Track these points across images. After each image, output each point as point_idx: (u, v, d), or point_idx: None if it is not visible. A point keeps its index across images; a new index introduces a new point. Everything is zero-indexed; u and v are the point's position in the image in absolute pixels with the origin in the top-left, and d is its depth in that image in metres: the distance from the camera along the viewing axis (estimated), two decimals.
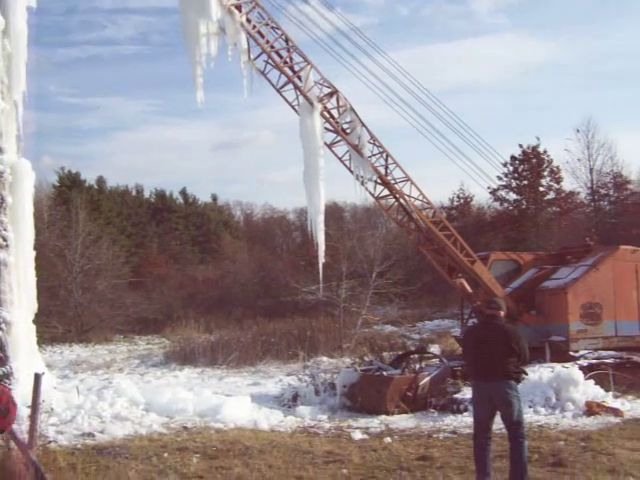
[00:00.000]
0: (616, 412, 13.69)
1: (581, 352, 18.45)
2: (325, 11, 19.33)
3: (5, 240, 13.40)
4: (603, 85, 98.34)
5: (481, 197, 51.69)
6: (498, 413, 8.84)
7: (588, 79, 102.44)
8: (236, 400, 15.55)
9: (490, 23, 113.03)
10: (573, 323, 18.67)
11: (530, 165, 45.01)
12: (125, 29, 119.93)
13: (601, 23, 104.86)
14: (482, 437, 8.84)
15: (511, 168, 44.82)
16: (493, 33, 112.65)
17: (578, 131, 43.57)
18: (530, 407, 14.06)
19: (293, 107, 18.27)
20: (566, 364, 16.48)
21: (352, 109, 18.30)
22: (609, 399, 14.54)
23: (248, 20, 17.55)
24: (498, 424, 9.13)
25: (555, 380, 14.66)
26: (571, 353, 18.37)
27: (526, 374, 9.24)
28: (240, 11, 17.46)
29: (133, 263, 50.23)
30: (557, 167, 44.78)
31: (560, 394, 14.43)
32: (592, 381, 15.12)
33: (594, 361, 17.52)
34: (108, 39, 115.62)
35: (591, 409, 13.81)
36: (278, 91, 18.21)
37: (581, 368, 15.94)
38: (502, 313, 9.13)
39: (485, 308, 9.29)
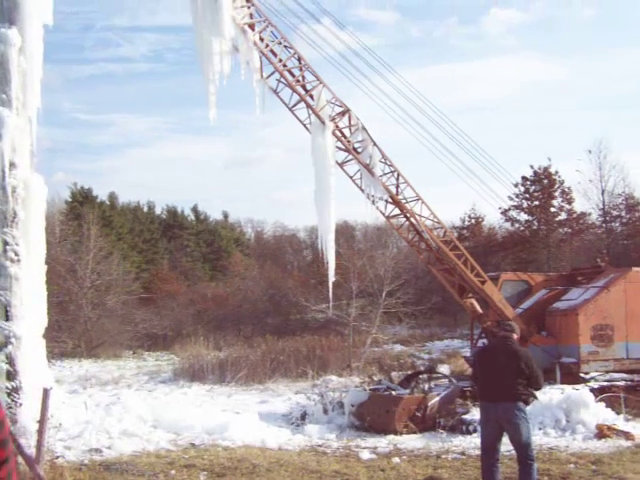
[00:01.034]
0: (627, 435, 13.55)
1: (592, 374, 18.33)
2: (337, 30, 19.48)
3: (17, 254, 13.44)
4: (615, 106, 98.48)
5: (492, 217, 51.69)
6: (506, 435, 8.78)
7: (600, 100, 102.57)
8: (244, 418, 15.52)
9: (501, 45, 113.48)
10: (584, 345, 18.55)
11: (541, 186, 44.98)
12: (140, 47, 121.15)
13: (612, 45, 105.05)
14: (490, 459, 8.78)
15: (522, 189, 44.80)
16: (504, 54, 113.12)
17: (590, 152, 43.54)
18: (540, 429, 13.97)
19: (305, 126, 18.34)
20: (577, 386, 16.38)
21: (364, 128, 18.36)
22: (620, 422, 14.40)
23: (261, 39, 17.68)
24: (508, 445, 9.07)
25: (565, 402, 14.55)
26: (582, 375, 18.25)
27: (536, 397, 9.15)
28: (253, 30, 17.60)
29: (143, 279, 50.38)
30: (568, 188, 44.76)
31: (570, 416, 14.32)
32: (603, 404, 15.01)
33: (605, 383, 17.40)
34: (123, 57, 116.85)
35: (602, 432, 13.69)
36: (290, 109, 18.30)
37: (592, 390, 15.84)
38: (515, 336, 9.07)
39: (498, 330, 9.23)
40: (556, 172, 44.91)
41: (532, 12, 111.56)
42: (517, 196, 44.34)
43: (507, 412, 8.56)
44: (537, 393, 9.14)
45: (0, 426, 2.68)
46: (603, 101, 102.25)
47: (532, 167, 45.18)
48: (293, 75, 18.09)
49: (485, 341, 20.60)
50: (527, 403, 8.75)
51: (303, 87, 18.14)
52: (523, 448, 8.61)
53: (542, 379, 8.98)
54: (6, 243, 13.37)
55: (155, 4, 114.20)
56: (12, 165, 13.58)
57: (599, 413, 14.43)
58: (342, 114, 18.32)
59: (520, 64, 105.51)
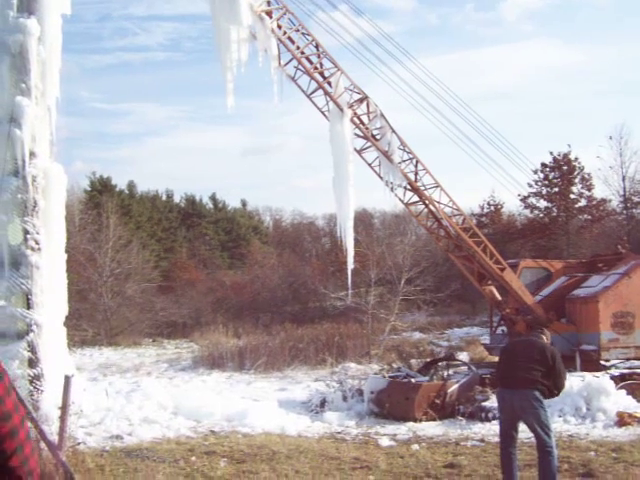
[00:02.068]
0: None
1: (612, 361, 18.24)
2: (354, 17, 19.38)
3: (37, 243, 13.54)
4: (637, 91, 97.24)
5: (511, 204, 51.44)
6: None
7: (621, 85, 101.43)
8: (264, 405, 15.60)
9: (519, 30, 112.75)
10: (604, 332, 18.44)
11: (561, 172, 44.57)
12: (157, 36, 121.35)
13: (631, 30, 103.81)
14: (508, 446, 8.74)
15: (542, 175, 44.42)
16: (522, 40, 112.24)
17: (611, 138, 43.07)
18: (560, 416, 13.91)
19: (323, 113, 18.30)
20: (597, 373, 16.29)
21: (382, 115, 18.28)
22: None
23: (279, 26, 17.64)
24: (528, 432, 9.03)
25: (586, 389, 14.48)
26: (602, 362, 18.16)
27: (552, 395, 9.02)
28: (271, 17, 17.55)
29: (162, 267, 50.56)
30: (588, 174, 44.30)
31: (591, 404, 14.25)
32: (624, 391, 14.92)
33: (626, 371, 17.29)
34: (140, 46, 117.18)
35: (623, 420, 13.61)
36: (308, 97, 18.25)
37: (612, 378, 15.74)
38: (545, 338, 9.04)
39: (529, 332, 9.20)
40: (576, 158, 44.50)
41: None
42: (536, 183, 43.99)
43: (522, 400, 8.51)
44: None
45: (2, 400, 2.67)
46: (623, 87, 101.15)
47: (552, 153, 44.78)
48: (311, 62, 18.04)
49: (504, 328, 20.54)
50: (544, 394, 8.64)
51: (321, 74, 18.09)
52: (541, 435, 8.55)
53: (565, 381, 8.91)
54: (27, 232, 13.48)
55: None
56: (32, 154, 13.67)
57: (619, 401, 14.35)
58: (360, 101, 18.26)
59: (538, 50, 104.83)
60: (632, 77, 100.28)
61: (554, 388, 8.72)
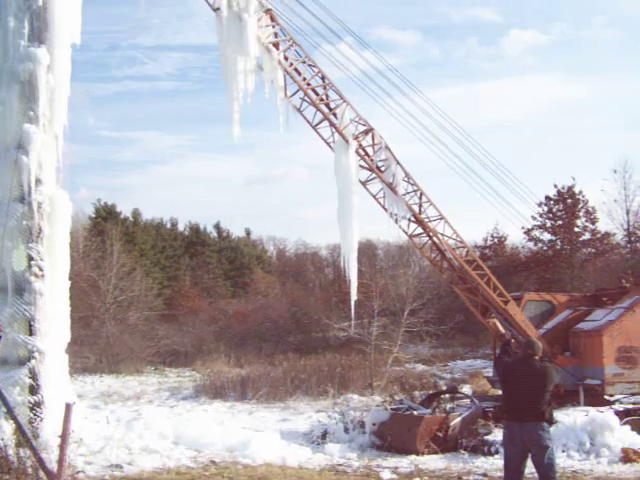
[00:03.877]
0: None
1: (617, 396, 18.07)
2: (359, 50, 19.56)
3: (41, 270, 13.57)
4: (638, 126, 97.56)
5: (515, 237, 51.36)
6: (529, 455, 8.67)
7: (625, 119, 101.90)
8: (265, 435, 15.49)
9: (521, 64, 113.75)
10: (609, 366, 18.30)
11: (565, 205, 44.66)
12: (165, 65, 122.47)
13: (634, 65, 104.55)
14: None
15: (546, 208, 44.53)
16: (525, 74, 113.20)
17: (615, 172, 43.20)
18: (563, 451, 13.79)
19: (328, 144, 18.38)
20: (601, 408, 16.14)
21: (387, 147, 18.35)
22: None
23: (285, 57, 17.79)
24: (530, 467, 8.94)
25: (590, 424, 14.36)
26: (606, 397, 18.01)
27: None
28: (278, 49, 17.72)
29: (165, 295, 50.54)
30: (593, 208, 44.37)
31: (595, 439, 14.13)
32: (628, 427, 14.79)
33: (630, 406, 17.13)
34: (148, 75, 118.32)
35: (628, 456, 13.48)
36: (314, 128, 18.35)
37: (617, 413, 15.62)
38: (537, 357, 8.97)
39: (521, 349, 9.12)
40: (580, 192, 44.62)
41: (553, 33, 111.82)
42: (541, 215, 44.08)
43: (532, 432, 8.46)
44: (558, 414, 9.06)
45: None
46: (627, 121, 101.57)
47: (556, 186, 44.92)
48: (317, 94, 18.17)
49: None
50: (551, 423, 8.63)
51: (327, 105, 18.21)
52: (546, 470, 8.49)
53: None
54: (31, 258, 13.51)
55: (180, 23, 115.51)
56: (38, 181, 13.76)
57: (624, 437, 14.22)
58: (365, 133, 18.34)
59: (541, 84, 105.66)
60: (636, 111, 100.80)
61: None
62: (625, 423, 14.94)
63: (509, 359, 9.62)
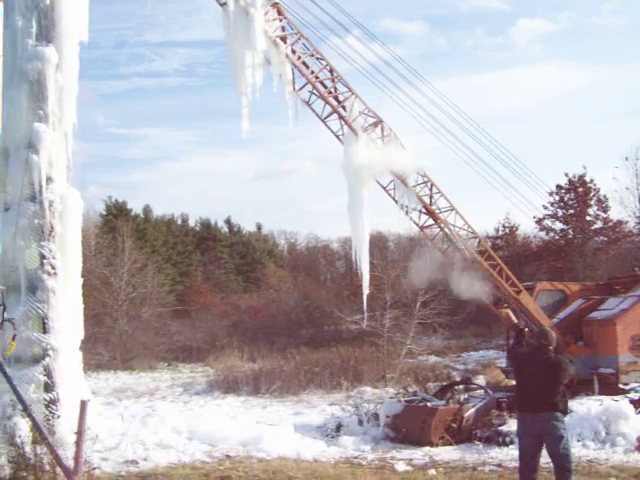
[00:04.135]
0: None
1: (631, 385, 18.01)
2: (367, 42, 19.50)
3: (54, 268, 13.61)
4: None
5: (527, 226, 51.13)
6: (544, 446, 8.64)
7: (636, 106, 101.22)
8: (279, 429, 15.51)
9: (530, 53, 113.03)
10: (622, 355, 18.26)
11: (577, 194, 44.46)
12: (172, 61, 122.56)
13: None
14: (528, 471, 8.64)
15: (557, 197, 44.35)
16: (533, 63, 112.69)
17: (627, 159, 42.95)
18: (578, 441, 13.75)
19: (338, 137, 18.36)
20: (615, 397, 16.10)
21: (396, 138, 18.31)
22: None
23: (293, 51, 17.76)
24: (545, 457, 8.93)
25: (604, 414, 14.31)
26: (620, 386, 17.95)
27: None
28: (285, 42, 17.70)
29: (178, 291, 50.65)
30: (604, 196, 44.17)
31: (610, 428, 14.07)
32: None
33: None
34: (155, 71, 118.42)
35: None
36: (323, 121, 18.33)
37: (631, 402, 15.56)
38: (552, 347, 8.90)
39: (535, 338, 9.06)
40: (591, 180, 44.41)
41: (560, 22, 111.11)
42: (552, 205, 43.93)
43: (546, 423, 8.44)
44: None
45: None
46: (636, 108, 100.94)
47: (567, 175, 44.72)
48: (325, 87, 18.14)
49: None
50: (565, 413, 8.60)
51: (335, 98, 18.18)
52: (562, 460, 8.47)
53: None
54: (43, 257, 13.55)
55: (187, 19, 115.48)
56: (49, 179, 13.78)
57: (639, 425, 14.17)
58: (375, 125, 18.30)
59: (550, 73, 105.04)
60: None
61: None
62: None
63: (522, 349, 9.59)
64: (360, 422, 16.32)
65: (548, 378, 8.51)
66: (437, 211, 18.83)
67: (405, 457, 13.64)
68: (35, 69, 13.76)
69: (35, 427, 9.25)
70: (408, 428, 15.08)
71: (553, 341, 8.98)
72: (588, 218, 44.57)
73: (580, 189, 44.36)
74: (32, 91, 13.84)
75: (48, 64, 13.83)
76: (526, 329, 19.10)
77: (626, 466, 12.23)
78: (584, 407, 14.92)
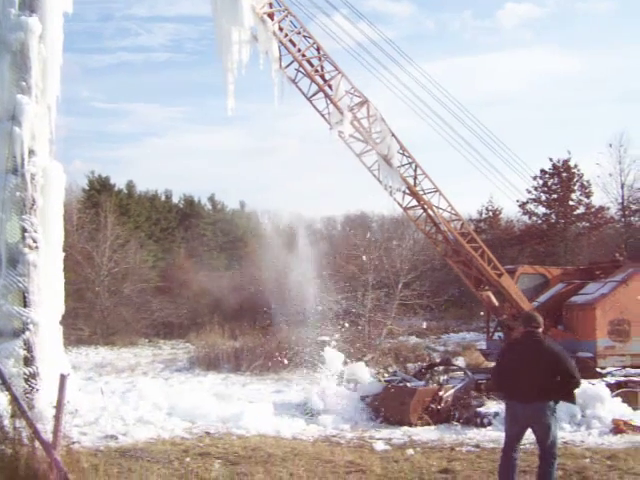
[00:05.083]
0: None
1: (608, 369, 18.21)
2: (355, 21, 19.40)
3: (35, 241, 13.53)
4: (636, 98, 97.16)
5: (510, 210, 51.25)
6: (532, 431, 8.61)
7: (621, 92, 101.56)
8: (259, 407, 15.58)
9: (517, 37, 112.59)
10: (601, 339, 18.43)
11: (560, 179, 44.58)
12: (159, 37, 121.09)
13: (630, 38, 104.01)
14: (512, 453, 8.62)
15: (541, 182, 44.42)
16: (520, 47, 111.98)
17: (611, 145, 43.11)
18: None
19: (323, 116, 18.31)
20: (593, 381, 16.26)
21: (382, 119, 18.28)
22: (637, 418, 14.32)
23: (280, 28, 17.64)
24: (526, 439, 8.97)
25: (581, 397, 14.43)
26: (598, 370, 18.13)
27: (578, 385, 8.84)
28: (272, 19, 17.56)
29: (160, 268, 50.41)
30: (587, 182, 44.33)
31: (586, 411, 14.26)
32: (619, 399, 14.93)
33: (622, 379, 17.28)
34: (142, 46, 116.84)
35: (618, 427, 13.63)
36: (309, 99, 18.26)
37: (608, 385, 15.76)
38: (540, 330, 8.78)
39: (523, 325, 8.94)
40: (575, 165, 44.53)
41: (548, 6, 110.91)
42: (535, 189, 44.01)
43: (538, 412, 8.35)
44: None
45: None
46: (622, 95, 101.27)
47: (551, 160, 44.80)
48: (312, 65, 18.04)
49: (501, 335, 20.52)
50: (557, 402, 8.52)
51: (322, 77, 18.10)
52: (549, 446, 8.46)
53: (577, 371, 8.69)
54: (25, 230, 13.46)
55: None
56: (31, 152, 13.66)
57: (615, 408, 14.37)
58: (361, 104, 18.26)
59: (537, 57, 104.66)
60: (632, 84, 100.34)
61: (573, 385, 8.60)
62: (616, 395, 15.07)
63: (513, 337, 9.47)
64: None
65: (540, 367, 8.36)
66: (421, 192, 18.86)
67: (384, 436, 13.73)
68: (18, 39, 13.58)
69: (14, 401, 9.22)
70: (387, 408, 15.19)
71: (541, 323, 8.85)
72: (571, 203, 44.74)
73: (564, 174, 44.48)
74: (15, 62, 13.67)
75: (31, 34, 13.65)
76: (505, 316, 19.32)
77: (600, 448, 12.41)
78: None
